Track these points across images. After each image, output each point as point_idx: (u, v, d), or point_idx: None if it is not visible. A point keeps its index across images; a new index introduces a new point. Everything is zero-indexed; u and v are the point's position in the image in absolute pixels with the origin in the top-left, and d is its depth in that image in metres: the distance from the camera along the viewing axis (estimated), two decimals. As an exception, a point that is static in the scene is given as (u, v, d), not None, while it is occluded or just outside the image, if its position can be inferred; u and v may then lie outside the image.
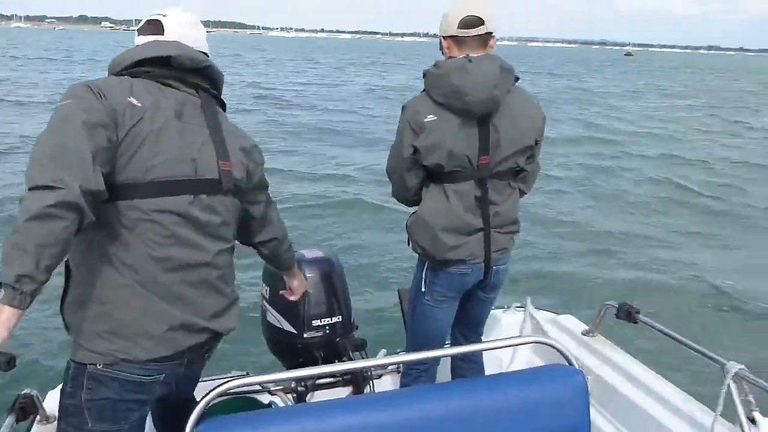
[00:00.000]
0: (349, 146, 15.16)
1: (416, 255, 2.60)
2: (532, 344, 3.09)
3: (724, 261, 7.81)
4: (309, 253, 2.88)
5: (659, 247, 8.25)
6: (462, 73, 2.31)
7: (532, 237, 8.10)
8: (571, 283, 6.78)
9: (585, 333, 3.04)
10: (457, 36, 2.41)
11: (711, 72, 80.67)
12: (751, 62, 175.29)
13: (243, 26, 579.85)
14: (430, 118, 2.37)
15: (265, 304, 2.83)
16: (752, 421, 2.12)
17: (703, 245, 8.56)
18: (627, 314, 2.74)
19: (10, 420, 2.19)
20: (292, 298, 2.42)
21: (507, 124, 2.38)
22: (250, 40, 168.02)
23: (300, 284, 2.39)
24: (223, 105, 1.95)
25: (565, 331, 3.12)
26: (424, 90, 2.44)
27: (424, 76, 2.44)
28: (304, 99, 25.10)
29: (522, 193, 2.62)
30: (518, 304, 3.37)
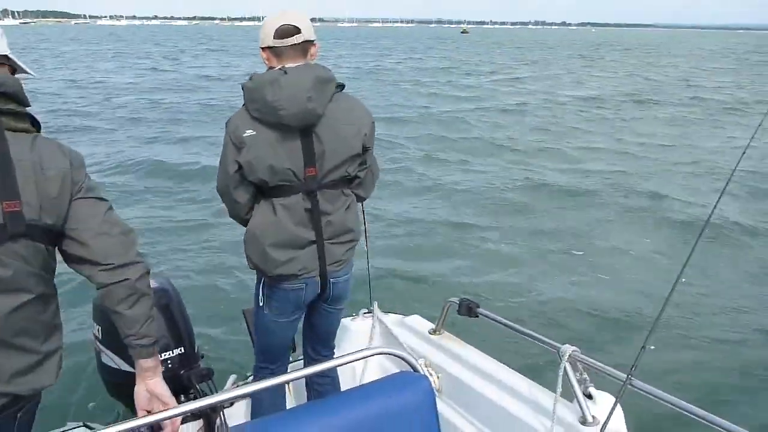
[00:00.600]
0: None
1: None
2: (379, 340, 3.21)
3: (555, 257, 7.75)
4: None
5: (497, 241, 8.21)
6: (275, 87, 2.27)
7: (375, 237, 7.64)
8: (417, 282, 6.77)
9: (432, 332, 3.10)
10: (273, 47, 2.37)
11: (535, 45, 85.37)
12: (571, 35, 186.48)
13: (67, 15, 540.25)
14: (249, 132, 2.33)
15: (98, 344, 2.59)
16: (589, 396, 2.29)
17: (532, 238, 8.43)
18: (467, 309, 2.82)
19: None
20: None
21: (330, 134, 2.37)
22: (74, 30, 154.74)
23: (143, 399, 1.88)
24: (33, 121, 1.67)
25: (414, 332, 3.17)
26: (244, 104, 2.38)
27: (242, 89, 2.38)
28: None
29: (360, 198, 2.61)
30: (366, 310, 3.39)
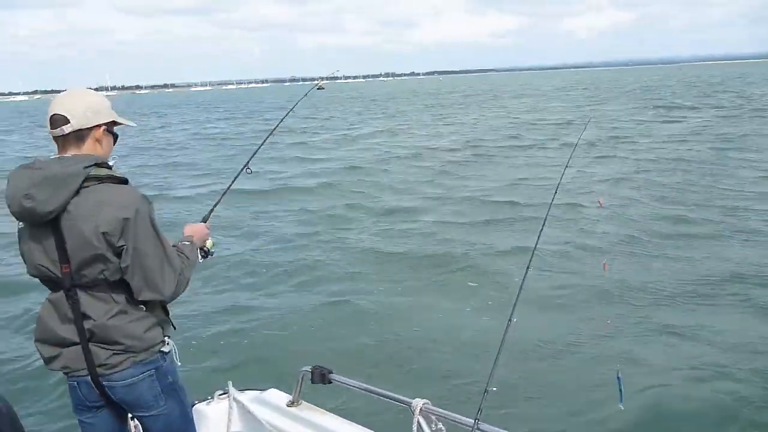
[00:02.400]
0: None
1: None
2: (239, 421, 3.15)
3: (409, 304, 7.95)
4: None
5: (341, 302, 8.03)
6: (6, 182, 2.25)
7: (210, 310, 7.69)
8: (272, 351, 6.57)
9: (290, 404, 3.07)
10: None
11: (391, 98, 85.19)
12: (422, 83, 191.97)
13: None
14: (20, 225, 2.33)
15: None
16: None
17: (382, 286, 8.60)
18: (321, 377, 2.86)
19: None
20: None
21: (71, 231, 2.27)
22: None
23: None
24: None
25: (272, 407, 3.12)
26: None
27: None
28: None
29: (139, 303, 2.40)
30: (221, 392, 3.28)
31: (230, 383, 3.33)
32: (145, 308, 2.43)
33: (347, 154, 24.25)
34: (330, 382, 2.87)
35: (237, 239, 11.63)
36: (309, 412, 3.05)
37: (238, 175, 3.36)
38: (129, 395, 2.44)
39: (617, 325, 6.79)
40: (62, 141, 2.36)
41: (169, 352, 2.54)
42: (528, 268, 2.82)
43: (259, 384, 3.47)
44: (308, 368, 2.96)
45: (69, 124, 2.32)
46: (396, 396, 2.62)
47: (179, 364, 2.61)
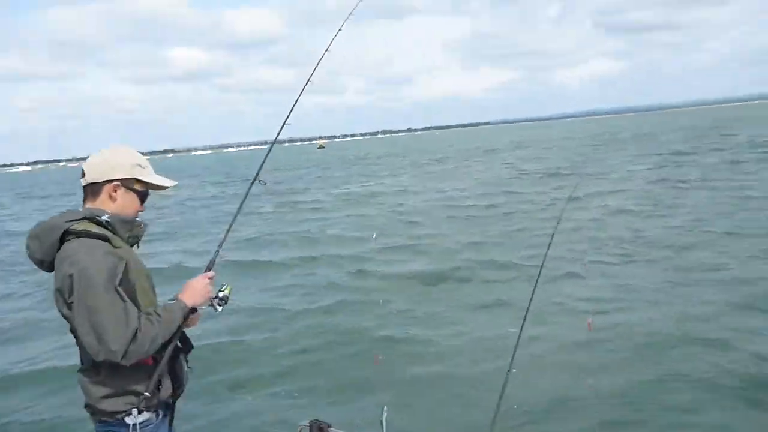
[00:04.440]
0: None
1: None
2: None
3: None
4: None
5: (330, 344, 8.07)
6: None
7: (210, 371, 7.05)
8: (268, 407, 6.38)
9: None
10: None
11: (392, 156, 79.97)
12: (418, 139, 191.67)
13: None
14: None
15: None
16: None
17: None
18: (319, 430, 2.84)
19: None
20: None
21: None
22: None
23: None
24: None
25: None
26: None
27: None
28: None
29: (102, 366, 2.40)
30: None
31: None
32: (107, 374, 2.42)
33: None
34: None
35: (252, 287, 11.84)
36: None
37: (251, 187, 3.18)
38: None
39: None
40: (84, 194, 2.57)
41: (132, 424, 2.45)
42: (525, 318, 2.94)
43: None
44: (306, 422, 2.94)
45: (84, 178, 2.53)
46: None
47: None
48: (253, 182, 3.27)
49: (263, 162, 3.31)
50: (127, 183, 2.56)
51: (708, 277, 10.24)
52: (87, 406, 2.51)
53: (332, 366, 7.47)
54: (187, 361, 2.75)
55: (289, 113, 3.45)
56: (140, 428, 2.48)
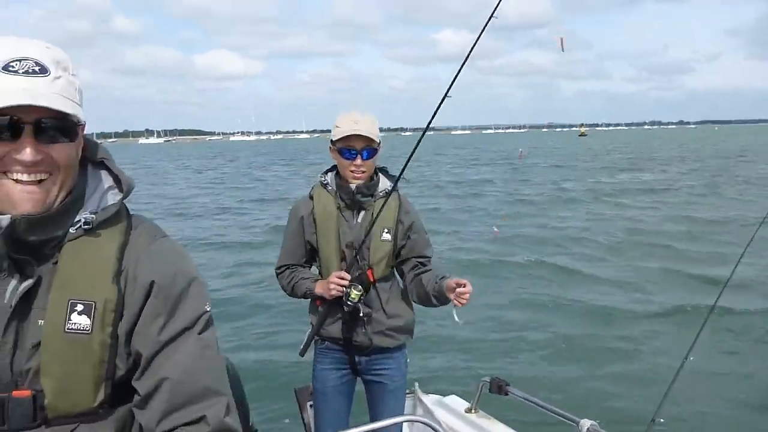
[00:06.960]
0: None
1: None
2: (417, 423, 3.09)
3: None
4: None
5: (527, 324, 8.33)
6: None
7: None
8: (454, 361, 6.92)
9: (468, 410, 3.30)
10: None
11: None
12: (690, 133, 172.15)
13: (202, 133, 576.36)
14: None
15: None
16: None
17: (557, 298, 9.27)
18: (498, 388, 3.03)
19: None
20: None
21: None
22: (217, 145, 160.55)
23: None
24: None
25: (451, 411, 3.37)
26: None
27: None
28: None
29: None
30: (408, 391, 3.43)
31: (416, 384, 3.56)
32: None
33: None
34: (506, 394, 3.01)
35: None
36: (484, 420, 3.24)
37: (400, 175, 2.90)
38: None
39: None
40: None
41: None
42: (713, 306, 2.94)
43: (442, 389, 3.83)
44: (487, 378, 3.14)
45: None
46: (566, 414, 2.70)
47: None
48: (400, 174, 2.96)
49: (406, 164, 2.94)
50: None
51: None
52: None
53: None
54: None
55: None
56: None
